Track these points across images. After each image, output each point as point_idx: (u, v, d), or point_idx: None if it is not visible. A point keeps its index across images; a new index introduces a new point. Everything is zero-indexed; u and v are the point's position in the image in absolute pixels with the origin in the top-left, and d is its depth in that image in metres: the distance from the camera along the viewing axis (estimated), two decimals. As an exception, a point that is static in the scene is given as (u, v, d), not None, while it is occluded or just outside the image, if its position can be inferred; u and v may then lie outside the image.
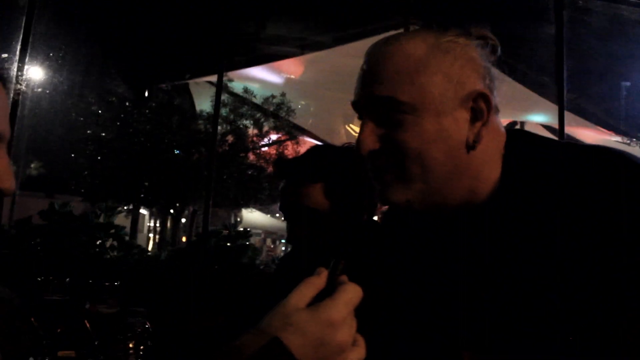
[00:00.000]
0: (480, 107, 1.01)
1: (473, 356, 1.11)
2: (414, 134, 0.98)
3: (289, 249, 1.92)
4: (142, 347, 1.51)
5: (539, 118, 10.79)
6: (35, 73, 9.85)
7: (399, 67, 1.00)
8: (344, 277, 0.82)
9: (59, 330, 1.67)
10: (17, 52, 3.66)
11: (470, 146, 1.01)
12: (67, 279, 1.83)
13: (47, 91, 10.19)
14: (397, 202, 1.03)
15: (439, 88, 0.99)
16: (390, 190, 1.03)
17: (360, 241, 1.55)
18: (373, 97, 1.01)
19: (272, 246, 20.67)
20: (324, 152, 1.66)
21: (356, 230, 1.55)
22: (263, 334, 0.73)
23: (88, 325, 1.66)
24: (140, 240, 15.32)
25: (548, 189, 0.97)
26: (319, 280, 0.81)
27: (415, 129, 0.98)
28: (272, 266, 4.20)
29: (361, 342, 0.81)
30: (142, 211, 15.13)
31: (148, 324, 1.56)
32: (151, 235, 17.88)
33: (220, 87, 4.22)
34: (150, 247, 15.82)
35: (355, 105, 1.07)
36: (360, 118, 1.08)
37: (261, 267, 3.49)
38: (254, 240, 18.47)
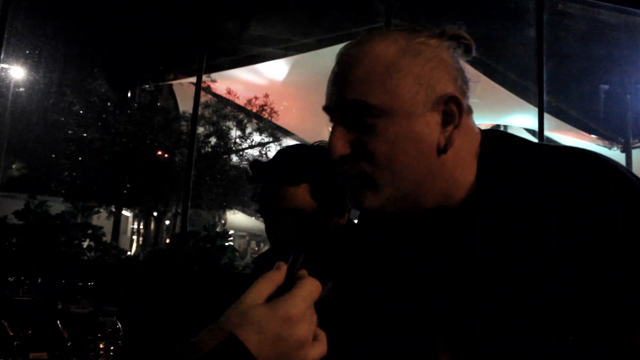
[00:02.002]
0: (452, 110, 1.00)
1: (449, 354, 1.11)
2: (383, 139, 0.97)
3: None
4: (112, 348, 1.50)
5: (519, 121, 10.87)
6: (15, 72, 9.74)
7: (369, 70, 0.98)
8: (304, 272, 0.80)
9: (30, 332, 1.64)
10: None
11: (442, 150, 1.00)
12: (39, 279, 1.80)
13: (28, 90, 10.08)
14: (369, 207, 1.02)
15: (410, 91, 0.98)
16: (362, 195, 1.02)
17: (335, 238, 1.54)
18: (344, 101, 1.00)
19: (256, 249, 20.55)
20: (302, 152, 1.64)
21: (328, 227, 1.54)
22: (220, 330, 0.72)
23: (60, 326, 1.64)
24: (124, 243, 15.19)
25: (524, 189, 0.97)
26: (277, 275, 0.79)
27: (385, 134, 0.97)
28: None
29: (323, 337, 0.80)
30: (126, 213, 15.02)
31: (119, 323, 1.54)
32: (135, 237, 17.76)
33: (199, 87, 4.19)
34: (133, 249, 15.70)
35: (327, 109, 1.05)
36: (332, 121, 1.07)
37: (239, 268, 3.47)
38: (238, 242, 18.43)
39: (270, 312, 0.74)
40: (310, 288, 0.78)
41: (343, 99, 1.00)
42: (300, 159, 1.57)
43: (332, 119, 1.05)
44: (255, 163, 1.65)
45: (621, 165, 0.99)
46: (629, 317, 0.88)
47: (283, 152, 1.65)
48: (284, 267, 0.80)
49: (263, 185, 1.61)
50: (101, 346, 1.50)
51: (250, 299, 0.75)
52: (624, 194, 0.92)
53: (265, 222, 1.62)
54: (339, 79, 1.02)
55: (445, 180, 1.01)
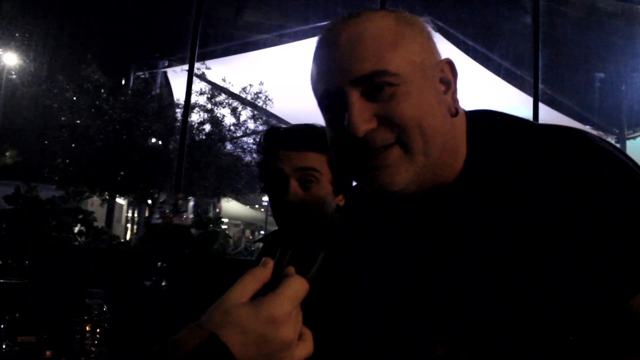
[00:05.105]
0: (448, 76, 1.01)
1: (448, 348, 1.10)
2: (410, 104, 0.95)
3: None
4: (98, 330, 1.48)
5: (513, 111, 10.85)
6: (7, 58, 9.68)
7: (379, 41, 0.96)
8: (291, 269, 0.77)
9: (17, 315, 1.63)
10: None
11: (453, 114, 1.00)
12: (26, 262, 1.78)
13: (20, 76, 10.03)
14: (400, 184, 0.97)
15: (419, 56, 0.98)
16: (394, 172, 0.97)
17: (325, 229, 1.53)
18: (359, 76, 0.95)
19: (251, 237, 20.57)
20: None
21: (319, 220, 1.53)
22: (202, 329, 0.68)
23: (48, 309, 1.63)
24: (118, 231, 15.19)
25: (511, 172, 0.96)
26: (263, 272, 0.76)
27: (409, 98, 0.95)
28: (246, 254, 4.18)
29: (308, 336, 0.77)
30: (120, 201, 15.00)
31: (105, 306, 1.53)
32: (129, 225, 17.78)
33: (192, 73, 4.16)
34: (127, 237, 15.72)
35: (331, 93, 0.99)
36: (327, 111, 1.02)
37: (232, 255, 3.45)
38: (232, 231, 18.46)
39: (254, 312, 0.70)
40: (296, 287, 0.74)
41: (358, 73, 0.95)
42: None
43: (332, 106, 1.00)
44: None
45: (609, 144, 0.98)
46: (621, 298, 0.87)
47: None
48: (270, 264, 0.77)
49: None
50: (87, 329, 1.48)
51: (233, 298, 0.72)
52: (614, 173, 0.90)
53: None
54: (346, 56, 0.97)
55: (453, 151, 1.01)
